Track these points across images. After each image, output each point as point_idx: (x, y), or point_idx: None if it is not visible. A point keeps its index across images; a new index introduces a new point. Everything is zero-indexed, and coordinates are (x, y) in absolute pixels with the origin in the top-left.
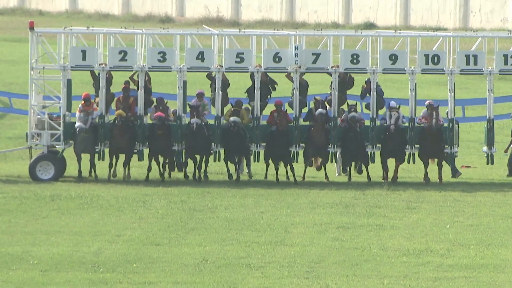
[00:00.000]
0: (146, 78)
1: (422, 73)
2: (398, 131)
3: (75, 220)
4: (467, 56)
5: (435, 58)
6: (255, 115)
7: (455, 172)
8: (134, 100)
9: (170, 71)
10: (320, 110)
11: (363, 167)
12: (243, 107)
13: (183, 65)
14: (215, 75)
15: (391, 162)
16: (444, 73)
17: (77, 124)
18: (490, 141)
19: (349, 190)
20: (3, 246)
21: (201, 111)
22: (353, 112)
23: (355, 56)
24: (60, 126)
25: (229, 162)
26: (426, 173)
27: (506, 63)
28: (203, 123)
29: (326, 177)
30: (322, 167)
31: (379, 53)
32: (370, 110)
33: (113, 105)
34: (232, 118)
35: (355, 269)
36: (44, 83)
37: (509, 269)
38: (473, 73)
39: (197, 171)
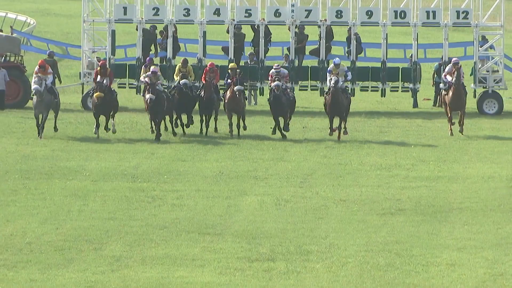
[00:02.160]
0: (174, 29)
1: (392, 26)
2: (336, 93)
3: (119, 141)
4: (428, 12)
5: (402, 13)
6: (259, 59)
7: (415, 104)
8: (111, 71)
9: (193, 23)
10: (276, 82)
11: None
12: (189, 64)
13: (203, 19)
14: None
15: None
16: (409, 26)
17: (33, 86)
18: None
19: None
20: (62, 161)
21: (156, 83)
22: (276, 81)
23: (339, 12)
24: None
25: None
26: (451, 123)
27: (458, 17)
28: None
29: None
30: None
31: (358, 9)
32: (350, 54)
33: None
34: (182, 81)
35: (339, 180)
36: (93, 33)
37: (460, 180)
38: (432, 26)
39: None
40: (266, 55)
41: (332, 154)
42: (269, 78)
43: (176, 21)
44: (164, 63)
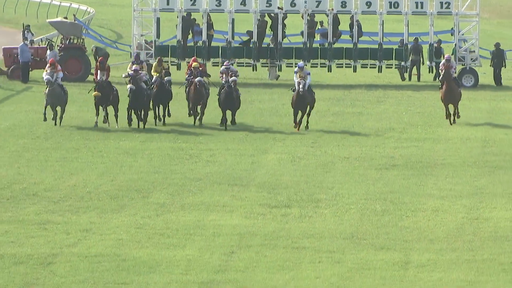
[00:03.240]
0: (208, 17)
1: (387, 14)
2: (303, 93)
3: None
4: (416, 3)
5: (396, 4)
6: (278, 41)
7: (403, 79)
8: (109, 66)
9: (223, 12)
10: (233, 78)
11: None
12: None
13: (232, 8)
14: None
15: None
16: (401, 14)
17: (45, 77)
18: (431, 58)
19: (339, 90)
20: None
21: (139, 78)
22: (233, 77)
23: (343, 3)
24: (152, 48)
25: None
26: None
27: (441, 7)
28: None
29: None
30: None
31: (359, 0)
32: (353, 38)
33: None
34: (166, 78)
35: (343, 141)
36: (142, 20)
37: (443, 141)
38: (420, 14)
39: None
40: (284, 39)
41: (338, 120)
42: (220, 75)
43: (209, 10)
44: (200, 44)
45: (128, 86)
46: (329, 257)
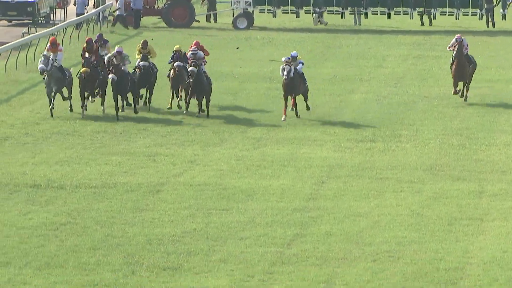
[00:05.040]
0: None
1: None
2: (292, 79)
3: (257, 53)
4: None
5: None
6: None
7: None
8: (97, 47)
9: None
10: (191, 68)
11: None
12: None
13: None
14: None
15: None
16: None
17: (39, 66)
18: (504, 6)
19: (420, 35)
20: (217, 67)
21: (121, 63)
22: (192, 67)
23: None
24: None
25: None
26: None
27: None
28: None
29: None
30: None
31: None
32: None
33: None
34: (141, 63)
35: (423, 81)
36: None
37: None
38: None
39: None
40: None
41: (418, 62)
42: (188, 61)
43: None
44: None
45: (110, 76)
46: (410, 187)
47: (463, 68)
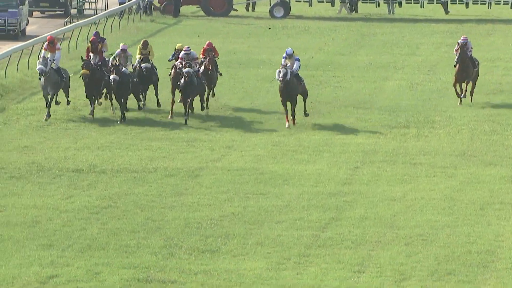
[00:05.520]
0: None
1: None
2: (288, 83)
3: (290, 39)
4: None
5: None
6: None
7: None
8: (102, 47)
9: None
10: (187, 69)
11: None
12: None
13: None
14: None
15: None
16: None
17: (38, 66)
18: None
19: (453, 24)
20: (255, 55)
21: (123, 63)
22: (187, 68)
23: None
24: None
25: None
26: (461, 89)
27: None
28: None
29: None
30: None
31: None
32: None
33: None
34: (143, 65)
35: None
36: None
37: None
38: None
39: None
40: None
41: (451, 50)
42: (180, 61)
43: None
44: None
45: (112, 76)
46: (443, 172)
47: (467, 68)
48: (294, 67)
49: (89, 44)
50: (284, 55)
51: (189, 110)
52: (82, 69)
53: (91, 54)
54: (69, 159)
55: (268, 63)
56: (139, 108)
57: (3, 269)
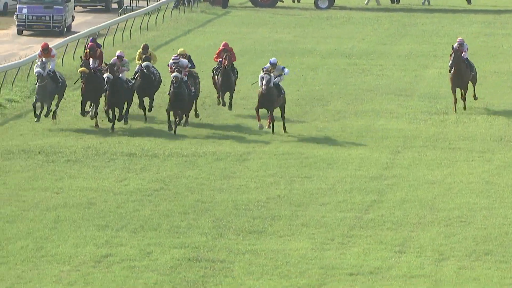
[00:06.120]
0: None
1: None
2: (268, 90)
3: (337, 29)
4: None
5: None
6: None
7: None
8: (101, 52)
9: None
10: (175, 73)
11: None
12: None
13: None
14: None
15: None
16: None
17: (36, 70)
18: None
19: (490, 14)
20: (300, 44)
21: (120, 69)
22: (175, 72)
23: None
24: None
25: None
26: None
27: None
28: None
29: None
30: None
31: None
32: None
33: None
34: (144, 64)
35: (494, 58)
36: None
37: None
38: None
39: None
40: None
41: (488, 40)
42: (169, 70)
43: None
44: None
45: (106, 75)
46: (480, 156)
47: (462, 74)
48: (281, 76)
49: (87, 50)
50: (267, 65)
51: (180, 120)
52: (81, 68)
53: (91, 59)
54: (122, 144)
55: (313, 52)
56: (147, 116)
57: (61, 248)
